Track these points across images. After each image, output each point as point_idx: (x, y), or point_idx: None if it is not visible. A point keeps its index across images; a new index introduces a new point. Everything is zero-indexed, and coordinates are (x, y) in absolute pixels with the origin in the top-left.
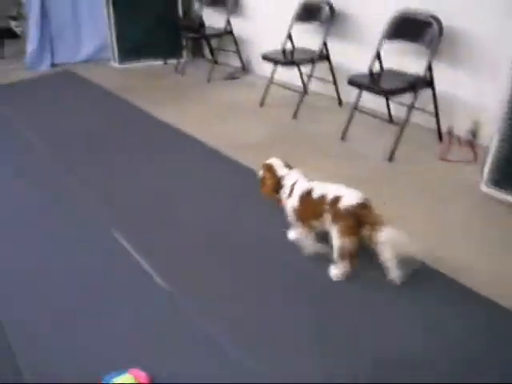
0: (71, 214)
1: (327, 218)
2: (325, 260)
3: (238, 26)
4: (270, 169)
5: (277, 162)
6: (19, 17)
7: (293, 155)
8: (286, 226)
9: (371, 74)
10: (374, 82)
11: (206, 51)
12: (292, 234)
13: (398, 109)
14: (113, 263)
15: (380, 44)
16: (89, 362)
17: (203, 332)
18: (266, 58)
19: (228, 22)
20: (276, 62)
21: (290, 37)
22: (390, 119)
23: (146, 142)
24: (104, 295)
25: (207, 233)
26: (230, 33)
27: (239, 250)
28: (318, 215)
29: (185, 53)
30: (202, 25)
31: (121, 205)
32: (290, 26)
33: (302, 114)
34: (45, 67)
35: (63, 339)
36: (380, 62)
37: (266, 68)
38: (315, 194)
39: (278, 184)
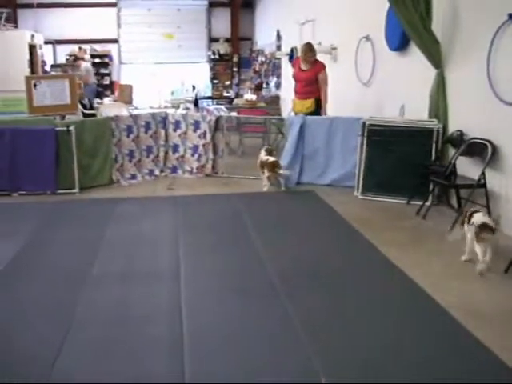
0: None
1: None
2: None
3: (494, 179)
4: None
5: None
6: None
7: None
8: None
9: None
10: None
11: (453, 200)
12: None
13: None
14: None
15: None
16: None
17: None
18: None
19: (483, 174)
20: None
21: None
22: None
23: (367, 284)
24: None
25: None
26: (483, 186)
27: None
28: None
29: (430, 197)
30: (453, 173)
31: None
32: None
33: None
34: (290, 184)
35: None
36: None
37: None
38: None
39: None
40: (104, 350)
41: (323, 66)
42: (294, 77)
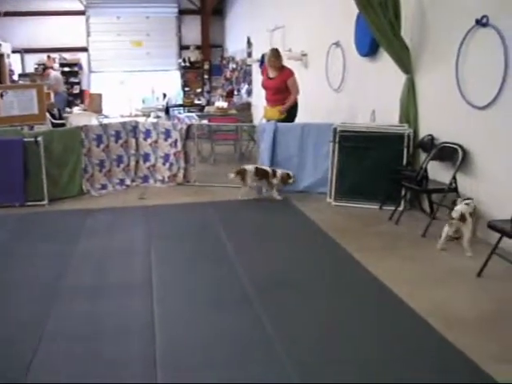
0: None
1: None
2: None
3: (464, 184)
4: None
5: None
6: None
7: None
8: None
9: None
10: None
11: (426, 204)
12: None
13: None
14: None
15: None
16: None
17: None
18: (491, 226)
19: (454, 179)
20: (503, 234)
21: None
22: None
23: (342, 292)
24: None
25: None
26: (455, 190)
27: None
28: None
29: (402, 202)
30: (424, 177)
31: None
32: None
33: None
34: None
35: None
36: None
37: (490, 234)
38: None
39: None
40: (75, 364)
41: (291, 73)
42: (263, 85)
